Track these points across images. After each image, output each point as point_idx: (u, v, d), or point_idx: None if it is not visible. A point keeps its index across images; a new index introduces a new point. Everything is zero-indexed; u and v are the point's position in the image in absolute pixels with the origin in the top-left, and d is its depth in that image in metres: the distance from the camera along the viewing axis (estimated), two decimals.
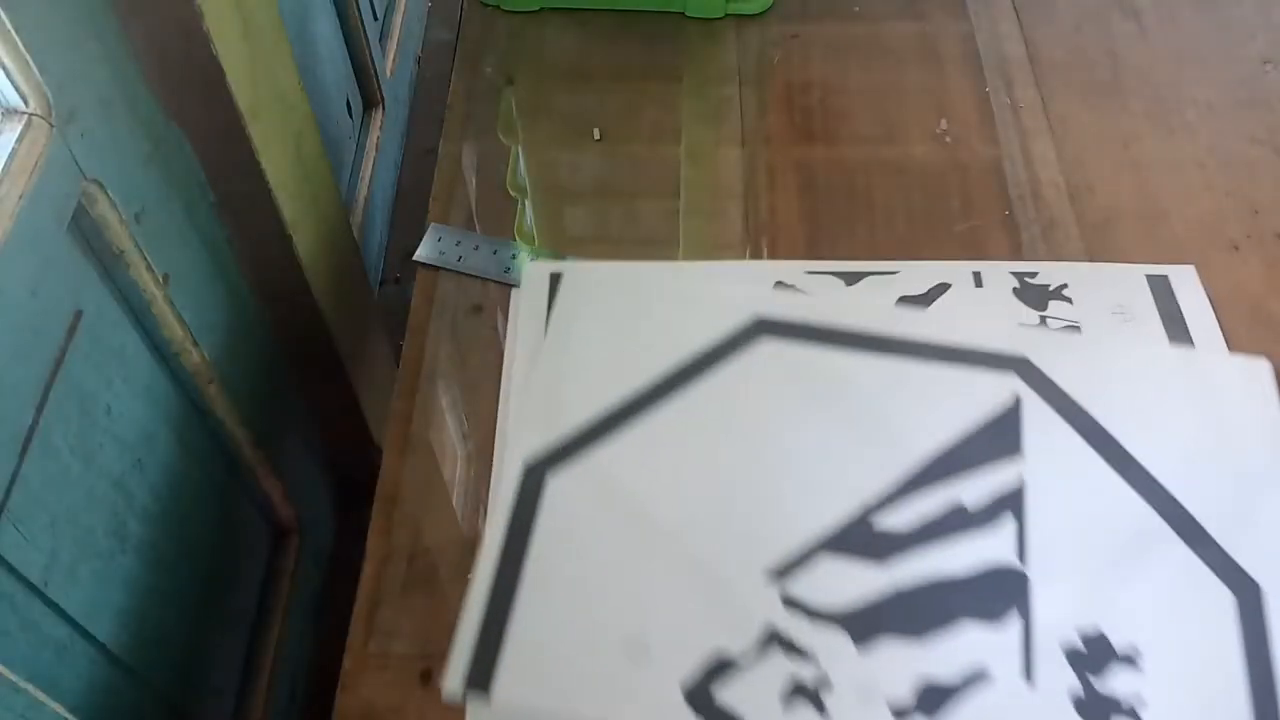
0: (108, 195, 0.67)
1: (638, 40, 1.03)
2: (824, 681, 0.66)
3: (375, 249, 1.27)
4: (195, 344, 0.78)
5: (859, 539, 0.71)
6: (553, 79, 1.01)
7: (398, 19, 1.46)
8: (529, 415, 0.77)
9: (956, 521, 0.72)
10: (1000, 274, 0.84)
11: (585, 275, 0.85)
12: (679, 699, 0.65)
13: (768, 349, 0.79)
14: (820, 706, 0.65)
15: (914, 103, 0.97)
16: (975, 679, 0.66)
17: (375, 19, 1.32)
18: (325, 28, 1.13)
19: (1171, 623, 0.68)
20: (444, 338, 0.83)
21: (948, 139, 0.94)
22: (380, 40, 1.36)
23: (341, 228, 1.00)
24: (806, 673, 0.66)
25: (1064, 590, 0.69)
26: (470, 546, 0.72)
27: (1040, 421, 0.75)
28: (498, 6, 1.07)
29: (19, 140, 0.60)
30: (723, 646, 0.67)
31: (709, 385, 0.78)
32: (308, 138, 0.90)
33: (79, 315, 0.65)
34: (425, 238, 0.88)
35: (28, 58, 0.59)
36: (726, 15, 1.04)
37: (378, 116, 1.32)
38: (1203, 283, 0.83)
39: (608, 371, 0.79)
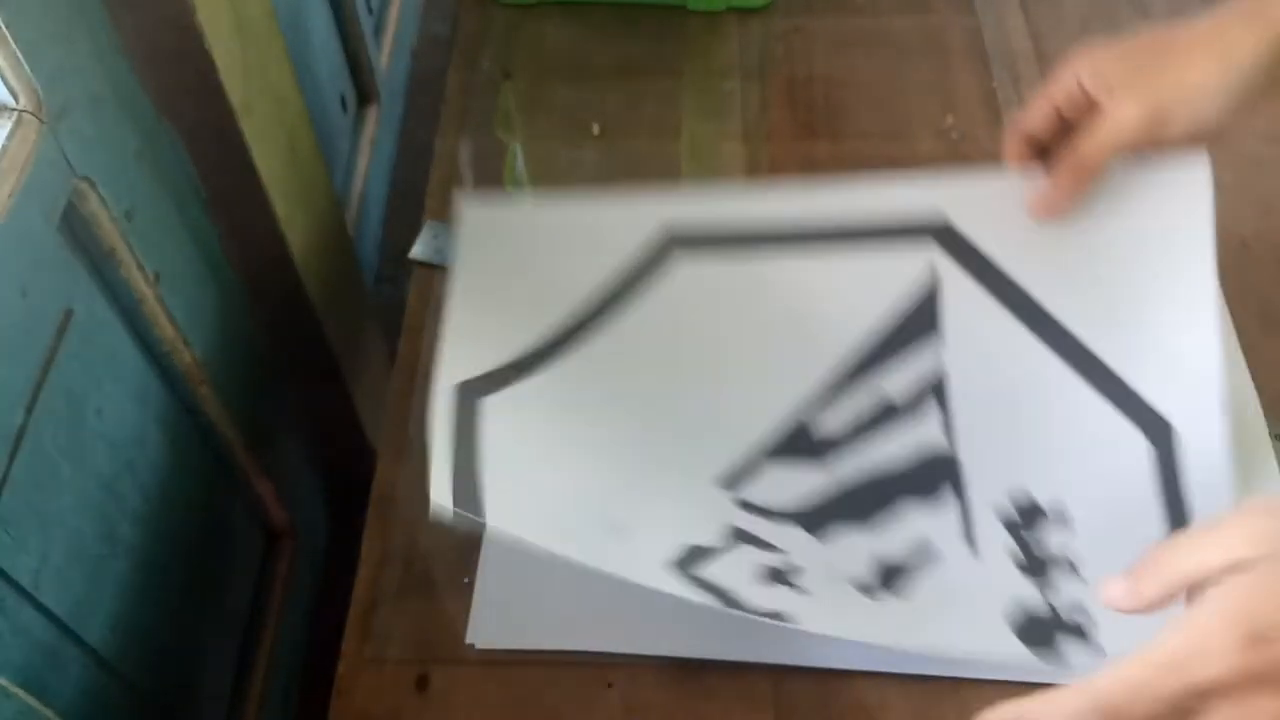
0: (98, 193, 0.67)
1: (638, 34, 1.03)
2: (794, 568, 0.68)
3: (370, 247, 1.26)
4: (186, 344, 0.78)
5: (797, 445, 0.74)
6: (551, 73, 1.01)
7: (392, 12, 1.45)
8: (452, 356, 0.73)
9: (885, 417, 0.74)
10: None
11: (490, 213, 0.80)
12: (671, 569, 0.66)
13: (684, 266, 0.77)
14: (798, 589, 0.67)
15: (919, 98, 0.97)
16: (923, 554, 0.70)
17: (370, 12, 1.31)
18: (319, 21, 1.12)
19: (1092, 476, 0.71)
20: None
21: (954, 135, 0.93)
22: (375, 34, 1.35)
23: (335, 225, 0.99)
24: (776, 560, 0.68)
25: (991, 460, 0.72)
26: (468, 551, 0.72)
27: (959, 294, 0.75)
28: None
29: (9, 137, 0.59)
30: (693, 540, 0.68)
31: (630, 314, 0.77)
32: (301, 134, 0.89)
33: (69, 315, 0.65)
34: (421, 235, 0.87)
35: (18, 54, 0.59)
36: (728, 9, 1.04)
37: (373, 112, 1.31)
38: None
39: (525, 311, 0.77)
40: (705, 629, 0.68)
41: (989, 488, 0.71)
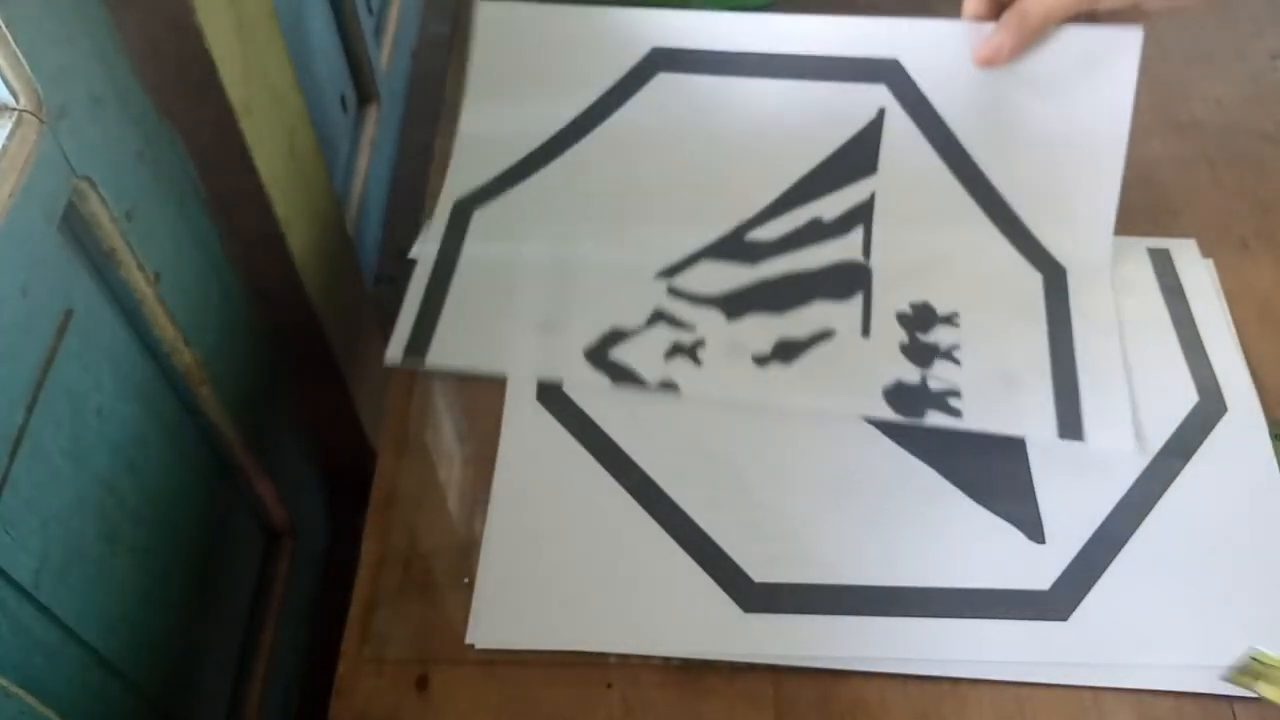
0: (98, 193, 0.66)
1: None
2: (699, 342, 0.80)
3: (370, 246, 1.26)
4: (187, 344, 0.77)
5: (734, 248, 0.85)
6: None
7: (393, 12, 1.45)
8: (456, 165, 0.88)
9: (814, 233, 0.85)
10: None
11: (498, 24, 0.90)
12: (580, 357, 0.79)
13: (664, 84, 0.87)
14: (696, 360, 0.79)
15: None
16: (821, 336, 0.80)
17: (370, 12, 1.31)
18: (319, 22, 1.12)
19: (988, 297, 0.82)
20: None
21: None
22: (375, 34, 1.35)
23: (335, 225, 0.99)
24: (685, 337, 0.80)
25: (900, 275, 0.83)
26: (467, 549, 0.71)
27: (899, 134, 0.85)
28: None
29: (9, 137, 0.59)
30: (619, 323, 0.80)
31: (612, 125, 0.87)
32: (301, 134, 0.89)
33: (69, 315, 0.65)
34: (421, 235, 0.87)
35: (18, 54, 0.59)
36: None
37: (373, 112, 1.31)
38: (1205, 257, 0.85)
39: (523, 119, 0.88)
40: (705, 629, 0.68)
41: (893, 295, 0.82)
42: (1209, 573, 0.69)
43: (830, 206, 0.85)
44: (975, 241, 0.83)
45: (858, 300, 0.82)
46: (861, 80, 0.84)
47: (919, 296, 0.82)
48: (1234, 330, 0.80)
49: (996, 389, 0.77)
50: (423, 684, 0.67)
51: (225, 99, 0.75)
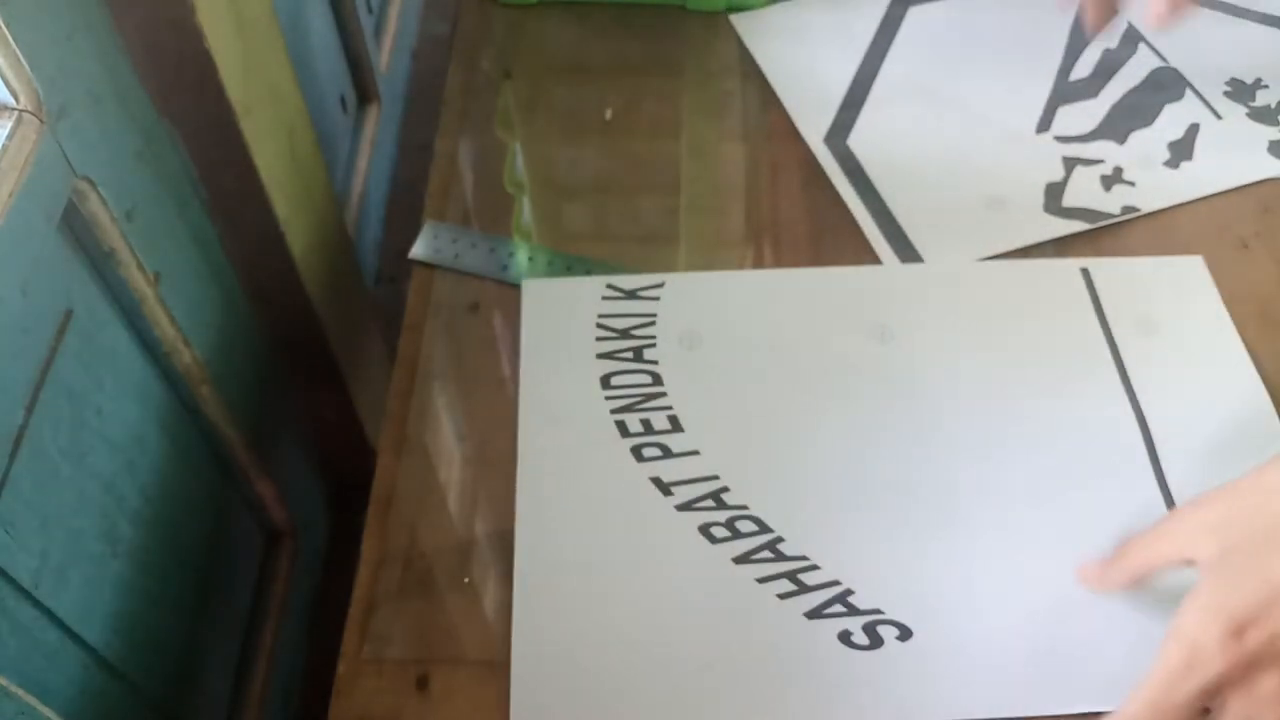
0: (98, 193, 0.66)
1: (637, 33, 1.03)
2: (1119, 169, 0.90)
3: (370, 247, 1.26)
4: (187, 344, 0.77)
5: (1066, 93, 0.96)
6: (551, 73, 1.01)
7: (393, 12, 1.45)
8: None
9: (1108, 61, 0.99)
10: None
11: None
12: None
13: (917, 17, 1.03)
14: (1132, 182, 0.89)
15: None
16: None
17: (370, 12, 1.31)
18: (319, 21, 1.12)
19: None
20: (440, 337, 0.82)
21: None
22: (375, 34, 1.35)
23: (336, 225, 0.99)
24: (1105, 169, 0.90)
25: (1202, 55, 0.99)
26: (467, 549, 0.71)
27: None
28: None
29: (9, 137, 0.59)
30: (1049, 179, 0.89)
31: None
32: (301, 134, 0.89)
33: (69, 315, 0.65)
34: (421, 235, 0.87)
35: (18, 53, 0.59)
36: (728, 8, 1.03)
37: (373, 112, 1.31)
38: (1211, 274, 0.83)
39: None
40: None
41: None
42: None
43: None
44: None
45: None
46: None
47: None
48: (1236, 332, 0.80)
49: None
50: (423, 684, 0.67)
51: (225, 99, 0.75)
